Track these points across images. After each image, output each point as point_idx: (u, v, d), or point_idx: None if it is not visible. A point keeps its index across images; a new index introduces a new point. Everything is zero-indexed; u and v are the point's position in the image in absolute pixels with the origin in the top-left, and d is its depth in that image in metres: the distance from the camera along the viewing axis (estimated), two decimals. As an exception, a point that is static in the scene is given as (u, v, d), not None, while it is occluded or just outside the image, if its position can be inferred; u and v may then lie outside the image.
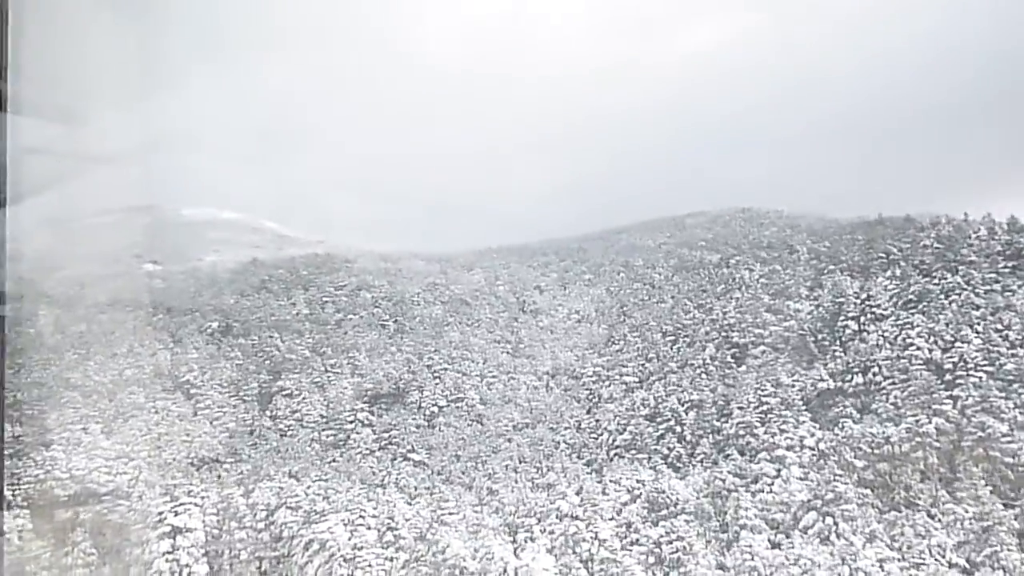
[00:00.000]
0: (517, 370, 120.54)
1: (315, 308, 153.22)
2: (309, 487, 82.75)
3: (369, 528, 72.31)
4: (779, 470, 71.15)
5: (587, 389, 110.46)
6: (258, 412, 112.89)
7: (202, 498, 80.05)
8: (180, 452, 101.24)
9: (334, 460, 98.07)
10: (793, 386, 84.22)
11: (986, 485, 62.84)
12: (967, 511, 60.25)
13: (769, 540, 61.46)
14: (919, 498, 66.42)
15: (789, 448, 73.04)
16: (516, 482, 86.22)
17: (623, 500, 71.21)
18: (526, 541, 66.02)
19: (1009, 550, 56.45)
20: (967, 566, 55.63)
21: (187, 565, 74.14)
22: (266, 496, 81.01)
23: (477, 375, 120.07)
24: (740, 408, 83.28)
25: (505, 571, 62.00)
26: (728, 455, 77.48)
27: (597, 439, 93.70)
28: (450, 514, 74.55)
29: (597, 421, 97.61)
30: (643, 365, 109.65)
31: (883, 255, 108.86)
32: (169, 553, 73.82)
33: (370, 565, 66.08)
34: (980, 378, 77.78)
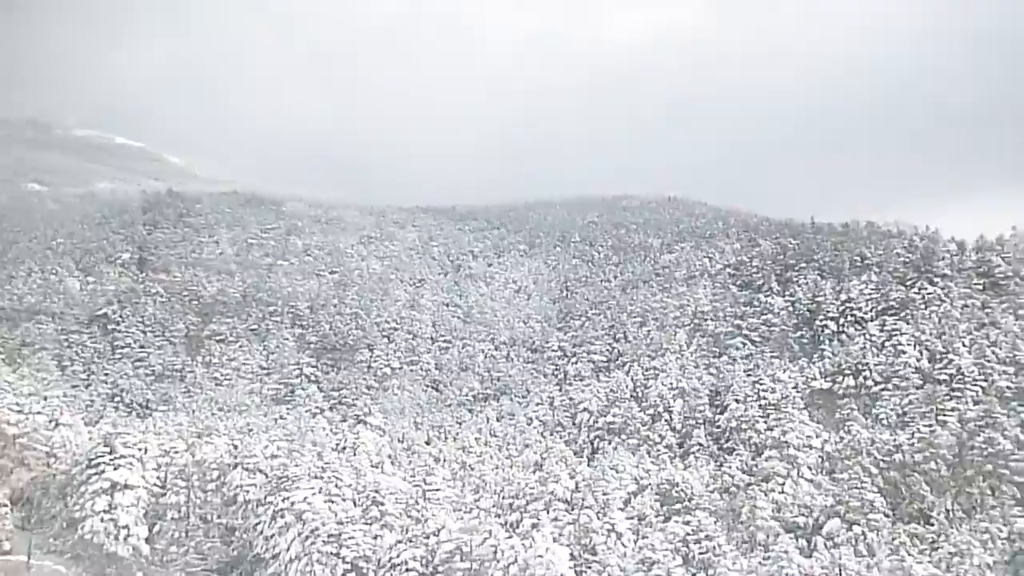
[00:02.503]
0: (472, 337, 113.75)
1: (241, 250, 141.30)
2: (266, 447, 73.64)
3: (344, 499, 64.45)
4: (788, 471, 67.91)
5: (552, 364, 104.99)
6: (188, 357, 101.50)
7: (140, 450, 69.58)
8: (101, 393, 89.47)
9: (281, 417, 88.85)
10: (789, 382, 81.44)
11: (1015, 504, 61.44)
12: (1000, 531, 58.47)
13: (797, 547, 57.77)
14: (931, 510, 64.61)
15: (799, 448, 69.84)
16: (492, 458, 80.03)
17: (630, 489, 66.14)
18: (532, 528, 59.75)
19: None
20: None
21: (126, 526, 64.00)
22: (216, 453, 71.47)
23: (429, 338, 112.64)
24: (737, 401, 79.81)
25: (515, 561, 55.65)
26: (731, 449, 73.78)
27: (574, 419, 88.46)
28: (435, 490, 67.51)
29: (571, 399, 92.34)
30: (611, 345, 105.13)
31: (858, 258, 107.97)
32: (106, 512, 63.42)
33: (358, 544, 58.28)
34: (977, 392, 77.23)
